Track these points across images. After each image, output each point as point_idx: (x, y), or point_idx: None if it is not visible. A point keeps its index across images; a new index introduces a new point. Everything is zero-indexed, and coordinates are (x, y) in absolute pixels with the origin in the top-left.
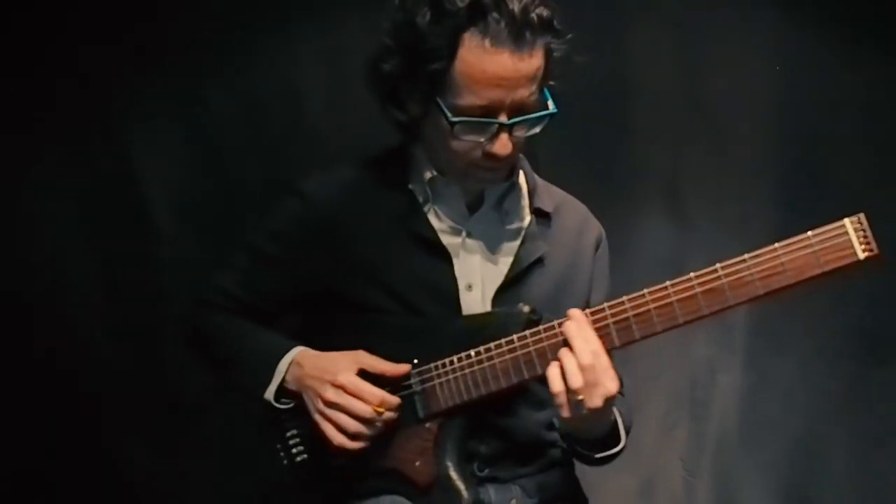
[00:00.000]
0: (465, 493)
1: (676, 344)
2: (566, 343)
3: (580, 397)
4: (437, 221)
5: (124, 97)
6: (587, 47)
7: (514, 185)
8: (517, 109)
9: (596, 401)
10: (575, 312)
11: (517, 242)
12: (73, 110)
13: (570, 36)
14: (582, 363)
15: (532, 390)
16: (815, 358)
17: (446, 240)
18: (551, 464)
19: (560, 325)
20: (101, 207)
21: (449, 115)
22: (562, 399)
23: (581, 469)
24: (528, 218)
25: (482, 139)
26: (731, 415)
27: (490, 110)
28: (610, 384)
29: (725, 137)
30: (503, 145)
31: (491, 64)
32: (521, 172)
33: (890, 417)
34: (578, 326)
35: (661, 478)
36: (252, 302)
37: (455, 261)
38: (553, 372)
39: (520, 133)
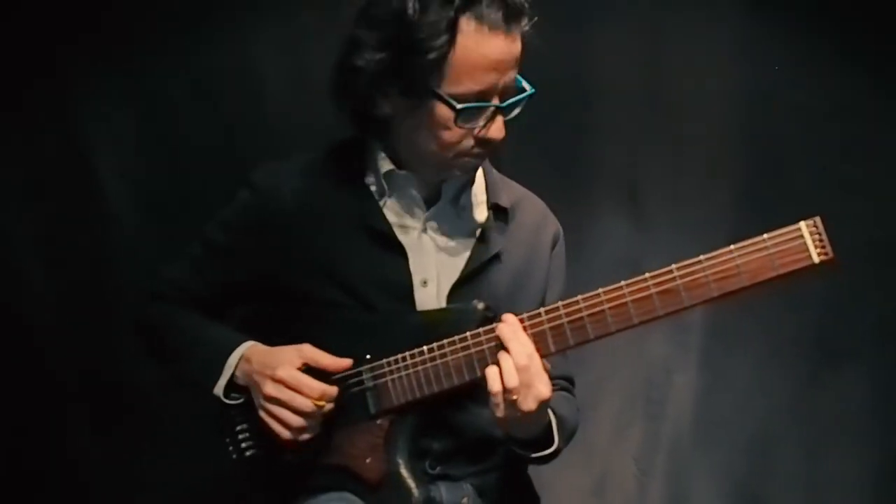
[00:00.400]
0: (415, 491)
1: (632, 343)
2: (502, 346)
3: (515, 397)
4: (393, 216)
5: (80, 84)
6: (548, 43)
7: (472, 180)
8: (506, 92)
9: (530, 403)
10: (508, 317)
11: (474, 238)
12: (27, 96)
13: (535, 19)
14: (518, 364)
15: (485, 388)
16: (770, 359)
17: (401, 234)
18: (503, 462)
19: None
20: (55, 194)
21: (454, 103)
22: (498, 399)
23: (533, 467)
24: (485, 213)
25: (481, 124)
26: (686, 414)
27: (485, 95)
28: (542, 387)
29: (684, 138)
30: (499, 129)
31: (488, 48)
32: (479, 167)
33: (842, 419)
34: (512, 330)
35: (613, 476)
36: (202, 293)
37: (410, 256)
38: (492, 371)
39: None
